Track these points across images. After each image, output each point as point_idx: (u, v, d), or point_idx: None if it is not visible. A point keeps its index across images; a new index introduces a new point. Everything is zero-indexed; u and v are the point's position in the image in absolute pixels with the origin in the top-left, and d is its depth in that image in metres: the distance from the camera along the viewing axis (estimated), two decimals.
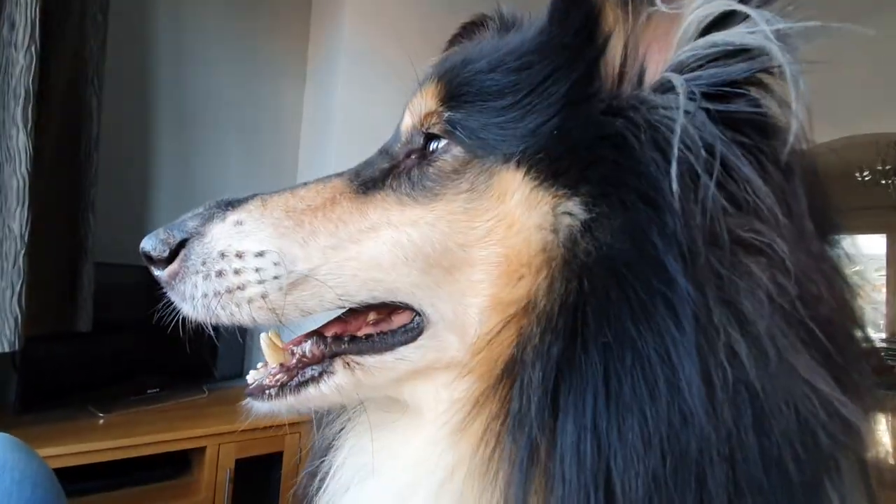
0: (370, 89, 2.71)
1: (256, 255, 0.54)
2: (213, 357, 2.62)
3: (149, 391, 2.39)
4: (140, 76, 2.58)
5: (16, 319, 1.71)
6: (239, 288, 0.53)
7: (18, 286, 1.71)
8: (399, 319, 0.57)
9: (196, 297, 0.54)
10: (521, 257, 0.48)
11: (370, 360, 0.56)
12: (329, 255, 0.54)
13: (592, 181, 0.46)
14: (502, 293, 0.49)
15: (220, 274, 0.54)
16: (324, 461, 0.65)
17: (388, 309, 0.57)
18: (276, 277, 0.53)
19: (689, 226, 0.42)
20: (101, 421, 2.14)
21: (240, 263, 0.54)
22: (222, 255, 0.54)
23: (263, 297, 0.53)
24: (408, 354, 0.55)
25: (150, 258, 0.56)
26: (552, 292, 0.45)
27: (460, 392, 0.50)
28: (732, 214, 0.43)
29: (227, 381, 2.70)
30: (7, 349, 1.70)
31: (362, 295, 0.54)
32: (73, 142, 2.05)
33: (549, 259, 0.47)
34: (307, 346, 0.57)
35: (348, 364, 0.56)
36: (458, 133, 0.53)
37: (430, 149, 0.56)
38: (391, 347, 0.55)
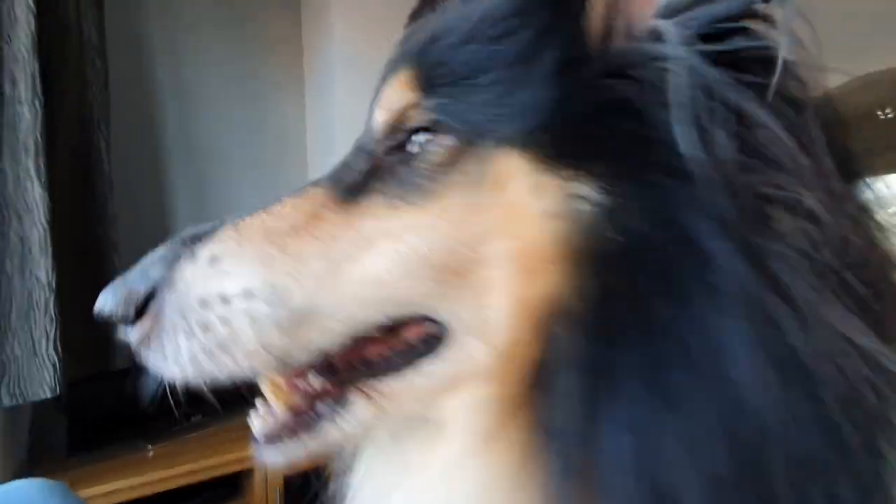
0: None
1: (245, 297, 0.46)
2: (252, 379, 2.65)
3: (193, 419, 2.43)
4: (145, 114, 2.63)
5: (54, 366, 1.76)
6: (232, 341, 0.45)
7: (52, 333, 1.76)
8: (411, 332, 0.49)
9: (181, 357, 0.45)
10: (535, 250, 0.43)
11: (391, 383, 0.49)
12: (325, 282, 0.46)
13: (602, 157, 0.42)
14: (521, 291, 0.44)
15: (205, 328, 0.45)
16: (342, 482, 0.60)
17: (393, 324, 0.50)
18: (268, 317, 0.45)
19: (715, 192, 0.38)
20: (151, 453, 2.19)
21: (226, 310, 0.45)
22: (203, 303, 0.46)
23: (264, 347, 0.45)
24: (432, 369, 0.48)
25: (111, 318, 0.48)
26: (576, 286, 0.41)
27: (488, 401, 0.46)
28: (753, 169, 0.39)
29: None
30: (49, 395, 1.75)
31: (374, 317, 0.47)
32: (86, 186, 2.10)
33: (568, 250, 0.42)
34: (314, 380, 0.50)
35: (367, 394, 0.48)
36: (444, 121, 0.47)
37: (415, 143, 0.49)
38: (411, 364, 0.48)
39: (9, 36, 1.74)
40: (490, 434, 0.45)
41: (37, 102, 1.77)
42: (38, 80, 1.77)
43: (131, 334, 0.48)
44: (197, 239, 0.49)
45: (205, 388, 0.48)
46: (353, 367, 0.49)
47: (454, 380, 0.48)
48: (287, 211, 0.50)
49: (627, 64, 0.43)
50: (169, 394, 0.51)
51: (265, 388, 0.52)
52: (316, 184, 0.53)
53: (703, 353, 0.37)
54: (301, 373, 0.50)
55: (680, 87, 0.40)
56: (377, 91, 0.54)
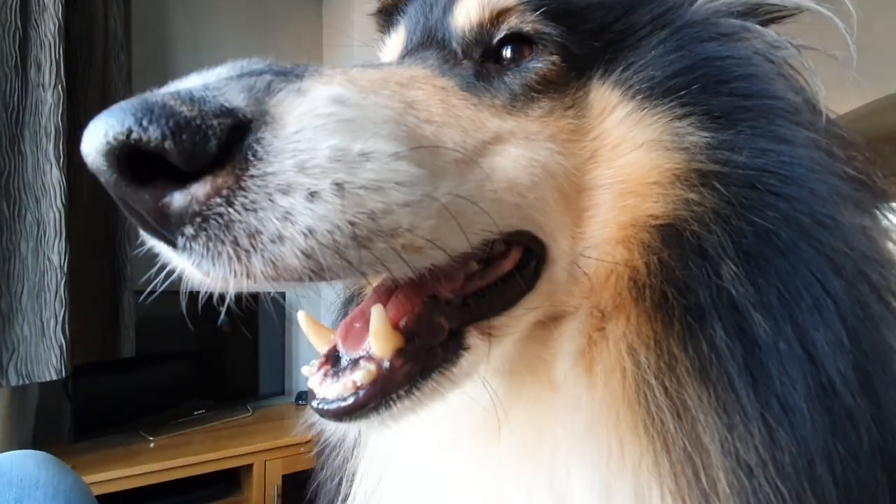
0: None
1: (394, 159, 0.34)
2: (254, 376, 2.66)
3: (195, 413, 2.44)
4: None
5: (61, 348, 1.77)
6: (371, 216, 0.32)
7: (61, 315, 1.77)
8: (506, 265, 0.44)
9: (289, 238, 0.30)
10: (639, 176, 0.44)
11: (500, 319, 0.43)
12: (463, 171, 0.39)
13: (709, 103, 0.44)
14: (624, 215, 0.44)
15: (339, 190, 0.31)
16: (343, 474, 0.56)
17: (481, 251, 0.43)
18: (425, 196, 0.35)
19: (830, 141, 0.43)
20: (152, 444, 2.20)
21: (371, 172, 0.33)
22: (337, 155, 0.32)
23: (411, 228, 0.34)
24: (533, 302, 0.44)
25: (144, 160, 0.28)
26: (710, 202, 0.41)
27: (590, 326, 0.44)
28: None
29: (270, 399, 2.73)
30: (55, 377, 1.76)
31: (501, 223, 0.40)
32: None
33: (684, 174, 0.42)
34: (426, 317, 0.40)
35: (484, 332, 0.42)
36: (555, 37, 0.46)
37: (512, 54, 0.47)
38: (519, 298, 0.44)
39: (36, 21, 1.78)
40: (590, 360, 0.43)
41: (60, 88, 1.80)
42: (62, 67, 1.81)
43: (188, 193, 0.29)
44: (291, 74, 0.35)
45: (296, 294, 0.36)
46: (468, 304, 0.42)
47: (552, 310, 0.46)
48: (404, 77, 0.43)
49: (738, 28, 0.47)
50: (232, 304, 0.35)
51: (376, 324, 0.38)
52: (413, 64, 0.48)
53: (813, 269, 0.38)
54: (404, 309, 0.40)
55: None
56: None
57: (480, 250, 0.41)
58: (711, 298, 0.39)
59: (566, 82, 0.47)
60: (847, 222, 0.40)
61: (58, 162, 1.78)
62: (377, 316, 0.38)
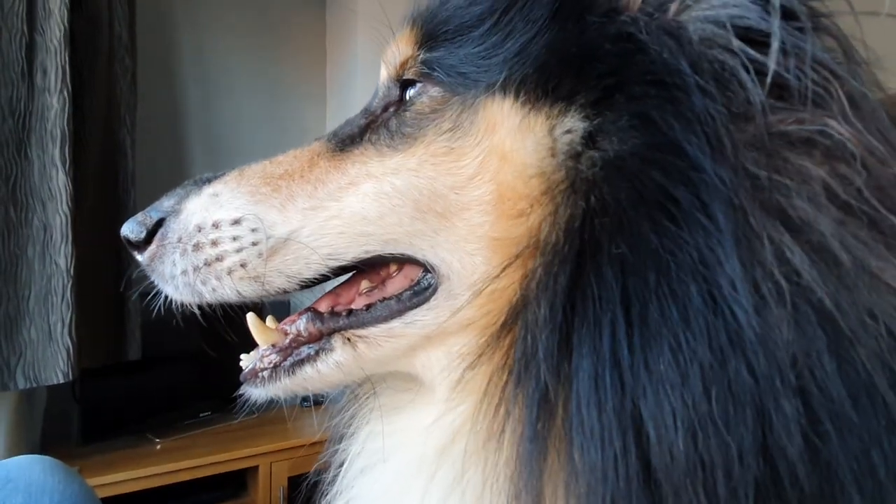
0: None
1: (232, 224, 0.51)
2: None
3: (201, 415, 2.45)
4: (170, 112, 2.68)
5: (68, 351, 1.78)
6: (217, 259, 0.51)
7: (68, 319, 1.79)
8: (395, 284, 0.52)
9: (175, 275, 0.52)
10: (517, 190, 0.43)
11: (374, 330, 0.51)
12: (308, 216, 0.51)
13: (590, 86, 0.42)
14: (502, 233, 0.44)
15: (196, 247, 0.52)
16: (338, 449, 0.62)
17: (380, 275, 0.53)
18: (254, 244, 0.50)
19: (713, 113, 0.36)
20: (158, 446, 2.21)
21: (216, 234, 0.51)
22: (198, 228, 0.52)
23: (243, 265, 0.50)
24: (419, 318, 0.50)
25: (129, 242, 0.56)
26: (556, 220, 0.40)
27: (462, 347, 0.46)
28: (772, 107, 0.37)
29: (276, 402, 2.74)
30: (62, 380, 1.77)
31: (353, 251, 0.50)
32: (110, 179, 2.14)
33: (551, 186, 0.42)
34: (301, 324, 0.54)
35: (348, 339, 0.52)
36: (434, 73, 0.49)
37: (407, 96, 0.52)
38: (399, 313, 0.50)
39: (42, 27, 1.80)
40: (460, 378, 0.45)
41: (65, 93, 1.81)
42: (67, 72, 1.82)
43: (143, 256, 0.55)
44: (207, 180, 0.56)
45: (197, 311, 0.54)
46: (338, 316, 0.53)
47: (441, 332, 0.49)
48: (286, 159, 0.57)
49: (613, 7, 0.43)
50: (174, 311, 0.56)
51: (252, 328, 0.56)
52: (319, 138, 0.58)
53: (691, 277, 0.34)
54: (291, 320, 0.55)
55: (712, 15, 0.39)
56: (384, 52, 0.57)
57: (372, 269, 0.53)
58: (520, 352, 0.39)
59: (445, 108, 0.49)
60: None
61: (64, 166, 1.79)
62: (250, 320, 0.56)
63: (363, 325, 0.52)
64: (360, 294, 0.54)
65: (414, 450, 0.49)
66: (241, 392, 0.56)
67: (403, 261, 0.51)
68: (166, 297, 0.55)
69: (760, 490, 0.32)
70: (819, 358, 0.32)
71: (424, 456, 0.47)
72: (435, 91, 0.50)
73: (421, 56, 0.51)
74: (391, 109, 0.54)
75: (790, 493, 0.31)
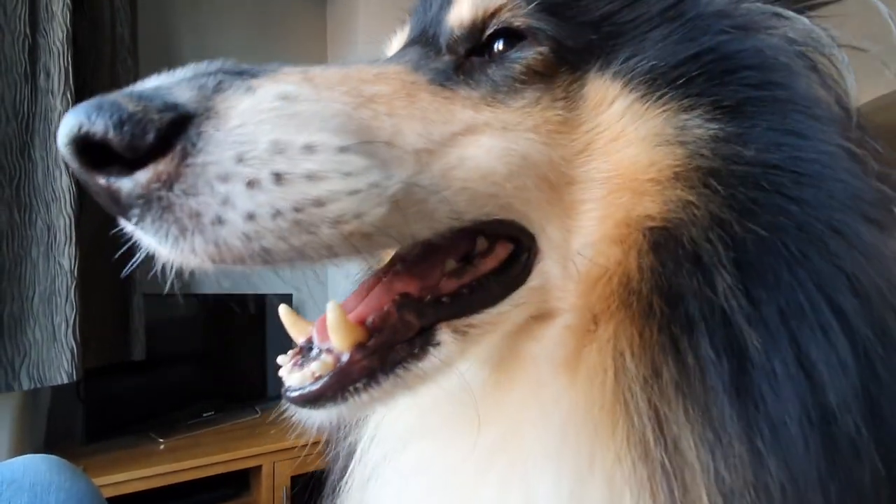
0: None
1: (340, 151, 0.35)
2: (262, 378, 2.68)
3: (204, 415, 2.46)
4: None
5: (72, 351, 1.79)
6: (316, 203, 0.34)
7: (72, 319, 1.80)
8: (487, 263, 0.45)
9: (226, 218, 0.33)
10: (637, 172, 0.42)
11: (482, 317, 0.43)
12: (424, 159, 0.40)
13: (726, 91, 0.42)
14: (619, 213, 0.42)
15: (279, 179, 0.33)
16: (348, 441, 0.57)
17: (458, 251, 0.45)
18: (374, 185, 0.36)
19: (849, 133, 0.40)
20: (162, 446, 2.22)
21: (313, 163, 0.34)
22: (278, 148, 0.34)
23: (359, 215, 0.35)
24: (521, 298, 0.44)
25: (97, 149, 0.32)
26: (710, 203, 0.39)
27: (575, 328, 0.43)
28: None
29: (278, 400, 2.74)
30: (66, 380, 1.78)
31: (473, 211, 0.41)
32: None
33: (683, 172, 0.41)
34: (393, 315, 0.41)
35: (458, 329, 0.42)
36: (546, 30, 0.45)
37: (502, 47, 0.46)
38: (502, 295, 0.44)
39: (44, 29, 1.80)
40: (574, 360, 0.41)
41: (69, 94, 1.82)
42: (70, 73, 1.83)
43: (133, 179, 0.33)
44: (246, 73, 0.37)
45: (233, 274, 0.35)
46: (439, 301, 0.43)
47: (542, 307, 0.45)
48: (368, 76, 0.43)
49: (757, 18, 0.45)
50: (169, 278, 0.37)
51: (332, 319, 0.40)
52: (387, 62, 0.48)
53: (823, 278, 0.36)
54: (372, 307, 0.42)
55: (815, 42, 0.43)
56: None
57: (457, 244, 0.43)
58: (701, 311, 0.37)
59: (556, 74, 0.46)
60: (868, 235, 0.37)
61: (67, 168, 1.80)
62: (332, 311, 0.40)
63: (471, 310, 0.43)
64: (445, 275, 0.44)
65: (497, 430, 0.45)
66: (299, 413, 0.41)
67: (497, 234, 0.45)
68: (161, 260, 0.35)
69: None
70: None
71: (529, 438, 0.42)
72: (545, 50, 0.45)
73: (528, 7, 0.46)
74: (478, 56, 0.47)
75: None
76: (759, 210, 0.38)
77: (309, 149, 0.35)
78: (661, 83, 0.43)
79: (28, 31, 1.77)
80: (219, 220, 0.33)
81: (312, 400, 0.40)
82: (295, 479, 2.28)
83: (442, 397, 0.46)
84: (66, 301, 1.79)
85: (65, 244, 1.80)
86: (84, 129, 0.32)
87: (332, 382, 0.39)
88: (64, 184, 1.80)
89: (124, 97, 0.32)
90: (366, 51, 2.79)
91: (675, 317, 0.38)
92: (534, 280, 0.45)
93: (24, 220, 1.79)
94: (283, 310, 0.48)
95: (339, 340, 0.40)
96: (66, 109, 1.81)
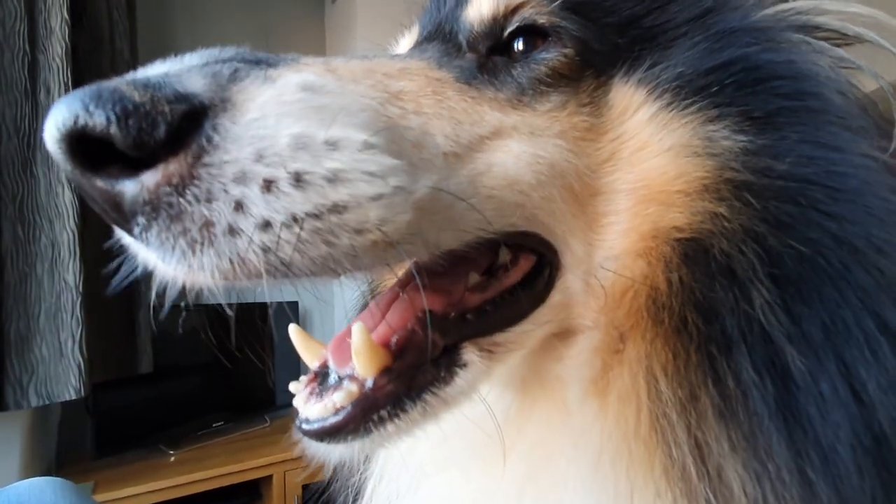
0: None
1: (365, 149, 0.31)
2: (271, 387, 2.67)
3: (214, 425, 2.45)
4: None
5: (79, 367, 1.78)
6: (334, 210, 0.30)
7: (78, 335, 1.79)
8: (511, 276, 0.42)
9: (241, 229, 0.28)
10: (664, 183, 0.40)
11: (504, 335, 0.41)
12: (453, 163, 0.37)
13: (757, 102, 0.40)
14: (645, 224, 0.40)
15: (299, 181, 0.29)
16: (354, 480, 0.55)
17: (480, 264, 0.42)
18: (399, 189, 0.32)
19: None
20: (172, 458, 2.21)
21: (337, 161, 0.30)
22: (301, 143, 0.30)
23: (383, 222, 0.31)
24: (544, 316, 0.42)
25: (95, 146, 0.27)
26: (743, 216, 0.37)
27: (603, 344, 0.40)
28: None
29: (287, 409, 2.74)
30: (74, 396, 1.78)
31: (499, 222, 0.39)
32: None
33: (713, 184, 0.39)
34: (418, 333, 0.38)
35: (483, 348, 0.40)
36: (572, 30, 0.43)
37: (523, 46, 0.44)
38: (530, 311, 0.41)
39: (43, 45, 1.80)
40: (604, 385, 0.39)
41: None
42: (70, 89, 1.82)
43: (140, 182, 0.28)
44: (263, 62, 0.33)
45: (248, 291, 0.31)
46: (463, 319, 0.40)
47: (565, 324, 0.43)
48: (393, 70, 0.40)
49: (777, 27, 0.43)
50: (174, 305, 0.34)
51: (358, 343, 0.36)
52: (408, 56, 0.46)
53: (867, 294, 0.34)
54: (393, 328, 0.39)
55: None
56: None
57: (479, 256, 0.40)
58: (739, 327, 0.35)
59: (581, 77, 0.44)
60: None
61: (69, 183, 1.80)
62: (358, 333, 0.36)
63: (496, 327, 0.41)
64: (468, 290, 0.41)
65: (526, 458, 0.42)
66: (325, 448, 0.37)
67: (521, 246, 0.42)
68: (164, 277, 0.31)
69: None
70: None
71: (558, 467, 0.40)
72: (570, 52, 0.43)
73: (552, 5, 0.44)
74: (500, 54, 0.45)
75: None
76: (794, 224, 0.36)
77: (332, 145, 0.31)
78: (688, 92, 0.41)
79: (27, 47, 1.77)
80: (232, 231, 0.29)
81: (332, 433, 0.36)
82: (306, 489, 2.28)
83: (463, 424, 0.43)
84: (72, 317, 1.78)
85: (69, 260, 1.80)
86: (81, 123, 0.26)
87: (356, 413, 0.36)
88: (67, 199, 1.80)
89: (128, 85, 0.28)
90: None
91: (711, 334, 0.36)
92: (556, 296, 0.43)
93: (27, 236, 1.79)
94: (293, 330, 0.45)
95: (365, 365, 0.36)
96: None
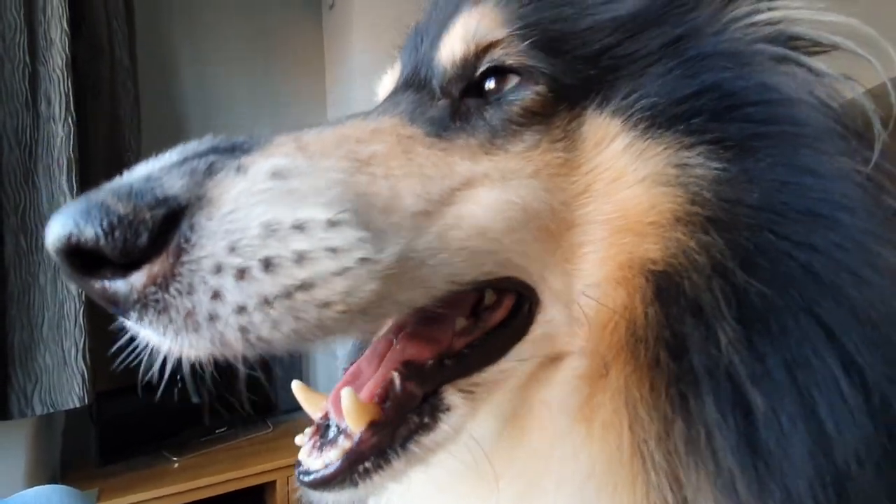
0: None
1: (329, 227, 0.34)
2: (273, 392, 2.68)
3: (217, 431, 2.46)
4: (173, 131, 2.70)
5: (82, 375, 1.80)
6: (303, 288, 0.33)
7: (81, 344, 1.80)
8: (496, 316, 0.43)
9: (220, 315, 0.32)
10: (639, 214, 0.41)
11: (483, 375, 0.42)
12: (422, 223, 0.38)
13: (730, 128, 0.40)
14: (621, 255, 0.41)
15: (268, 266, 0.32)
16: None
17: (463, 306, 0.43)
18: (364, 261, 0.34)
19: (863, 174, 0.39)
20: (176, 465, 2.22)
21: (303, 242, 0.33)
22: (269, 230, 0.33)
23: (348, 294, 0.33)
24: (525, 352, 0.43)
25: (87, 255, 0.31)
26: (713, 249, 0.38)
27: (585, 375, 0.41)
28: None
29: (290, 414, 2.75)
30: (77, 404, 1.79)
31: (473, 272, 0.40)
32: None
33: (685, 215, 0.39)
34: (396, 384, 0.40)
35: (464, 390, 0.41)
36: (541, 68, 0.43)
37: (494, 86, 0.45)
38: (508, 348, 0.42)
39: (44, 57, 1.82)
40: (588, 410, 0.40)
41: (70, 120, 1.83)
42: (71, 100, 1.84)
43: (128, 283, 0.31)
44: (237, 149, 0.36)
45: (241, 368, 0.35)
46: (442, 365, 0.41)
47: (548, 357, 0.44)
48: (364, 134, 0.41)
49: (748, 50, 0.43)
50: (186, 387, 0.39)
51: (347, 402, 0.39)
52: (383, 112, 0.47)
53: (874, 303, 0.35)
54: (379, 381, 0.41)
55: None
56: (443, 23, 0.49)
57: (465, 298, 0.42)
58: (705, 366, 0.35)
59: (554, 113, 0.44)
60: (885, 278, 0.36)
61: (71, 193, 1.81)
62: (346, 396, 0.38)
63: (475, 368, 0.42)
64: (456, 333, 0.42)
65: (522, 484, 0.43)
66: (310, 493, 0.40)
67: (504, 287, 0.43)
68: (159, 352, 0.35)
69: None
70: None
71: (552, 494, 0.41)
72: (541, 89, 0.43)
73: (521, 45, 0.44)
74: (473, 96, 0.46)
75: None
76: (763, 257, 0.37)
77: (299, 227, 0.33)
78: (662, 121, 0.42)
79: (28, 59, 1.78)
80: (211, 317, 0.32)
81: (324, 484, 0.39)
82: None
83: (454, 454, 0.44)
84: (75, 325, 1.80)
85: None
86: (74, 240, 0.31)
87: (344, 466, 0.38)
88: None
89: (113, 196, 0.31)
90: (362, 60, 2.81)
91: (680, 371, 0.36)
92: (538, 329, 0.43)
93: (30, 246, 1.80)
94: (296, 387, 0.47)
95: (355, 422, 0.39)
96: (69, 135, 1.84)
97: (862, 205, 0.37)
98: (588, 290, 0.42)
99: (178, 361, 0.35)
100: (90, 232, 0.30)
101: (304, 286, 0.33)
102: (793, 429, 0.33)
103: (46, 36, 1.82)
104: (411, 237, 0.37)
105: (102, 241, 0.30)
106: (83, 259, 0.32)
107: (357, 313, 0.34)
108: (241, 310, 0.32)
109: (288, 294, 0.33)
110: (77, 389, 1.78)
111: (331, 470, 0.38)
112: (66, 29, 1.82)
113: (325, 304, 0.33)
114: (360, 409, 0.39)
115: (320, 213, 0.34)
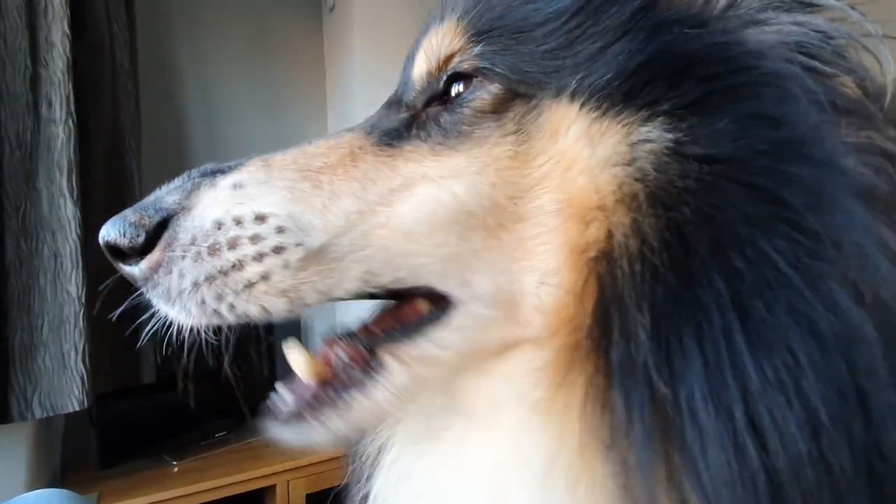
0: None
1: (255, 220, 0.43)
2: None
3: (216, 435, 2.45)
4: (174, 134, 2.70)
5: (82, 378, 1.79)
6: (235, 267, 0.42)
7: (81, 346, 1.80)
8: (408, 312, 0.47)
9: (183, 289, 0.42)
10: (587, 200, 0.40)
11: (412, 352, 0.45)
12: (355, 220, 0.43)
13: (680, 93, 0.39)
14: (572, 241, 0.41)
15: (212, 250, 0.42)
16: (362, 487, 0.56)
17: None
18: (277, 250, 0.42)
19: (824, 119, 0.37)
20: (176, 468, 2.21)
21: (237, 232, 0.42)
22: (218, 224, 0.43)
23: (265, 277, 0.42)
24: (443, 339, 0.45)
25: (117, 250, 0.44)
26: (642, 229, 0.37)
27: (535, 364, 0.42)
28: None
29: None
30: (77, 407, 1.79)
31: (386, 275, 0.44)
32: (117, 204, 2.15)
33: (627, 195, 0.39)
34: (340, 347, 0.46)
35: (398, 358, 0.45)
36: (495, 68, 0.45)
37: (458, 91, 0.47)
38: (418, 331, 0.45)
39: (45, 59, 1.82)
40: (547, 396, 0.40)
41: (71, 123, 1.83)
42: (72, 102, 1.84)
43: (138, 268, 0.44)
44: (220, 171, 0.47)
45: (209, 337, 0.45)
46: (387, 333, 0.46)
47: (479, 351, 0.45)
48: (320, 150, 0.48)
49: (717, 16, 0.42)
50: (176, 346, 0.46)
51: (294, 357, 0.46)
52: (350, 129, 0.51)
53: (809, 281, 0.33)
54: (332, 342, 0.47)
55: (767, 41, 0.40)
56: (417, 42, 0.52)
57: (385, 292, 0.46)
58: (620, 357, 0.36)
59: (508, 109, 0.45)
60: (855, 236, 0.34)
61: (72, 195, 1.81)
62: (297, 353, 0.46)
63: (401, 339, 0.45)
64: (417, 313, 0.47)
65: (486, 476, 0.44)
66: (270, 433, 0.48)
67: (413, 294, 0.46)
68: (169, 322, 0.45)
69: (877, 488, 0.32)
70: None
71: (512, 482, 0.42)
72: (495, 88, 0.45)
73: (475, 50, 0.46)
74: (437, 105, 0.48)
75: None
76: (691, 228, 0.36)
77: (237, 221, 0.43)
78: (617, 97, 0.41)
79: (29, 62, 1.79)
80: (179, 291, 0.43)
81: (287, 420, 0.46)
82: (310, 497, 2.27)
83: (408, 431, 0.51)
84: (75, 328, 1.79)
85: (71, 271, 1.81)
86: (105, 239, 0.45)
87: (286, 411, 0.46)
88: (69, 211, 1.81)
89: (132, 210, 0.44)
90: (362, 61, 2.82)
91: (605, 362, 0.37)
92: (460, 323, 0.45)
93: (30, 249, 1.80)
94: (289, 347, 0.51)
95: (304, 376, 0.46)
96: (69, 138, 1.84)
97: (833, 150, 0.36)
98: (548, 277, 0.42)
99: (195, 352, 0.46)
100: (113, 234, 0.44)
101: (236, 267, 0.42)
102: (714, 426, 0.33)
103: (48, 39, 1.82)
104: (338, 233, 0.43)
105: (119, 240, 0.43)
106: (117, 251, 0.44)
107: (279, 293, 0.42)
108: (195, 285, 0.42)
109: (225, 272, 0.42)
110: (77, 392, 1.78)
111: (280, 411, 0.47)
112: (68, 32, 1.83)
113: (250, 284, 0.42)
114: (309, 363, 0.46)
115: (254, 209, 0.43)
